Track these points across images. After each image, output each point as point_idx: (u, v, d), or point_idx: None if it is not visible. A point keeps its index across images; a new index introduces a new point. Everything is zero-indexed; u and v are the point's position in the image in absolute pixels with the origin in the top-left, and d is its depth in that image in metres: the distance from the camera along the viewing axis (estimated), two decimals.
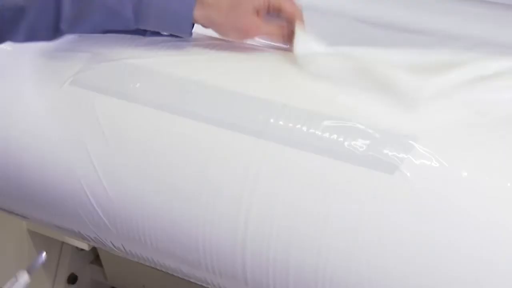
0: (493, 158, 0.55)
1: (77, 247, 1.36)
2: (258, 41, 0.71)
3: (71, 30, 0.66)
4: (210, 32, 0.68)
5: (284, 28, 0.68)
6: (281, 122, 0.59)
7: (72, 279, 1.45)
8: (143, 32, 0.68)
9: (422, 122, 0.57)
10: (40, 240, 1.34)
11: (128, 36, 0.70)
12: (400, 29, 0.89)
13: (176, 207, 0.63)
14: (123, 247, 0.71)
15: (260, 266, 0.60)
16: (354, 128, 0.57)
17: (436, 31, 0.87)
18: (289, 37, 0.67)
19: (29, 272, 0.63)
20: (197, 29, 0.68)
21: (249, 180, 0.60)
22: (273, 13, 0.67)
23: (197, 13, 0.65)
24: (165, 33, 0.69)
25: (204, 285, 0.68)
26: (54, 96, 0.71)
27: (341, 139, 0.57)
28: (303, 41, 0.64)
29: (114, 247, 0.72)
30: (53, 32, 0.65)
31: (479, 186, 0.54)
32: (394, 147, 0.56)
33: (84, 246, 1.31)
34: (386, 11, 0.90)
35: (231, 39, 0.69)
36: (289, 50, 0.67)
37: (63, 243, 1.38)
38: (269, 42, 0.71)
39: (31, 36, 0.66)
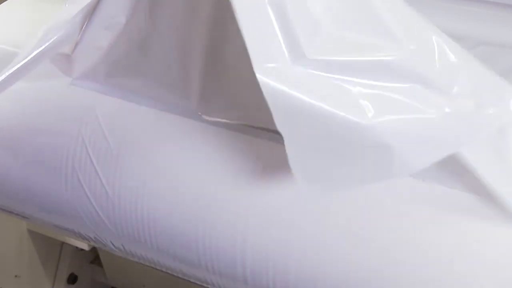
0: None
1: (77, 247, 1.36)
2: None
3: None
4: None
5: None
6: None
7: (72, 279, 1.44)
8: None
9: None
10: (40, 240, 1.34)
11: None
12: None
13: (177, 207, 0.63)
14: (123, 247, 0.71)
15: (260, 266, 0.60)
16: None
17: None
18: None
19: None
20: None
21: (250, 179, 0.60)
22: None
23: None
24: None
25: (204, 285, 0.68)
26: (54, 96, 0.71)
27: None
28: None
29: (114, 247, 0.72)
30: None
31: None
32: None
33: (84, 246, 1.30)
34: None
35: None
36: None
37: (63, 243, 1.38)
38: None
39: None
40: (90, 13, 0.61)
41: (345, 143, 0.48)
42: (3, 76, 0.60)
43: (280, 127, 0.47)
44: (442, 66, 0.50)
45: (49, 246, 1.38)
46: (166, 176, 0.64)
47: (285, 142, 0.48)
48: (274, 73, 0.47)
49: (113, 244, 0.72)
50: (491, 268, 0.53)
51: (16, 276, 1.32)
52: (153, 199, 0.64)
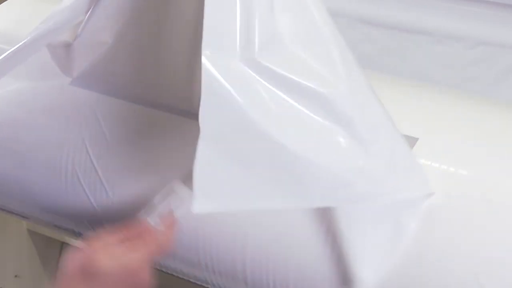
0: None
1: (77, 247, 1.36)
2: None
3: None
4: None
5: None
6: None
7: None
8: None
9: None
10: (40, 240, 1.34)
11: None
12: (401, 29, 0.89)
13: None
14: None
15: (260, 266, 0.60)
16: None
17: (436, 31, 0.87)
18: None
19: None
20: None
21: None
22: None
23: None
24: None
25: (204, 285, 0.68)
26: (55, 96, 0.71)
27: None
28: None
29: None
30: None
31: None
32: None
33: None
34: (386, 11, 0.90)
35: None
36: None
37: (63, 243, 1.38)
38: None
39: None
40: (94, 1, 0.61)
41: (258, 156, 0.49)
42: (3, 56, 0.60)
43: (203, 118, 0.46)
44: (371, 120, 0.52)
45: (49, 246, 1.38)
46: (166, 175, 0.63)
47: (200, 139, 0.47)
48: (220, 63, 0.46)
49: None
50: None
51: (16, 276, 1.31)
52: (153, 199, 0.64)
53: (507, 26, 0.84)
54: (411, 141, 0.58)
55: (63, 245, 1.41)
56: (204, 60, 0.46)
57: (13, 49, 0.59)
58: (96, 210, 0.68)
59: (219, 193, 0.50)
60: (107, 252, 0.53)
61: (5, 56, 0.60)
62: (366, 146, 0.51)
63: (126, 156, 0.65)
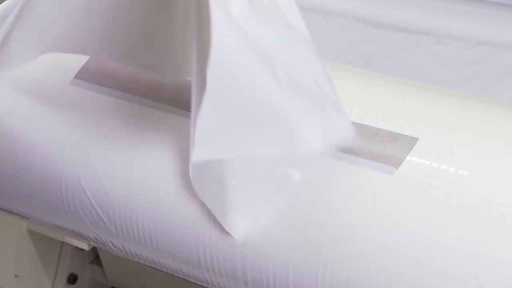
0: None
1: (77, 247, 1.36)
2: None
3: None
4: None
5: None
6: None
7: (72, 279, 1.45)
8: None
9: None
10: (40, 240, 1.34)
11: None
12: (400, 29, 0.89)
13: (176, 206, 0.63)
14: (123, 247, 0.71)
15: (260, 266, 0.60)
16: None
17: (436, 31, 0.87)
18: None
19: None
20: None
21: None
22: None
23: None
24: None
25: (204, 285, 0.68)
26: (55, 96, 0.71)
27: None
28: None
29: (114, 247, 0.72)
30: None
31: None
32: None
33: (84, 246, 1.30)
34: (386, 11, 0.90)
35: None
36: None
37: (63, 243, 1.38)
38: None
39: None
40: None
41: (256, 105, 0.53)
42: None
43: (211, 75, 0.49)
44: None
45: (49, 246, 1.38)
46: (166, 175, 0.64)
47: (206, 92, 0.50)
48: (229, 13, 0.50)
49: (113, 244, 0.72)
50: None
51: (16, 276, 1.32)
52: (153, 199, 0.64)
53: (507, 26, 0.84)
54: (411, 141, 0.58)
55: (63, 245, 1.41)
56: (214, 13, 0.48)
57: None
58: (96, 210, 0.68)
59: (215, 143, 0.54)
60: None
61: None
62: (327, 96, 0.56)
63: (126, 156, 0.65)
